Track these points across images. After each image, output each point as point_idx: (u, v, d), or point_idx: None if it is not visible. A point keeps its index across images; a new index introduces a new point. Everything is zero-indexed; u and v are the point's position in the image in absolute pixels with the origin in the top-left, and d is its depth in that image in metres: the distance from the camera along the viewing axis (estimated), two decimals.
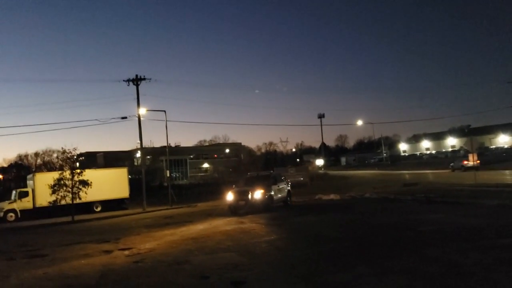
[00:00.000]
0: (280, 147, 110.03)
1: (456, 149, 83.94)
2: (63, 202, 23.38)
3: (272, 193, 19.92)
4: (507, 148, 73.99)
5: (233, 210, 19.49)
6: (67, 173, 23.45)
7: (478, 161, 44.43)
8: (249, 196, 19.14)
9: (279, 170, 38.20)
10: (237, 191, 19.97)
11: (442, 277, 6.45)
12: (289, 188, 22.71)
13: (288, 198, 22.15)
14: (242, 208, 19.41)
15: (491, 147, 79.18)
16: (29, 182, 29.98)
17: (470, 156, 50.46)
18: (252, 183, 20.34)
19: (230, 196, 19.77)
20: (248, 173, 25.88)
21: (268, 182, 20.31)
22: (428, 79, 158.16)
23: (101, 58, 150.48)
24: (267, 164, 60.19)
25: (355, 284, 6.49)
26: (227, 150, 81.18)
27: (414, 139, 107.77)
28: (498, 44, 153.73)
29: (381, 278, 6.68)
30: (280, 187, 21.44)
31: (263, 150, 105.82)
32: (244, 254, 9.73)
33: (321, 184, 39.42)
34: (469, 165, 45.10)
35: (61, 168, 24.71)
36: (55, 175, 23.91)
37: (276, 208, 20.25)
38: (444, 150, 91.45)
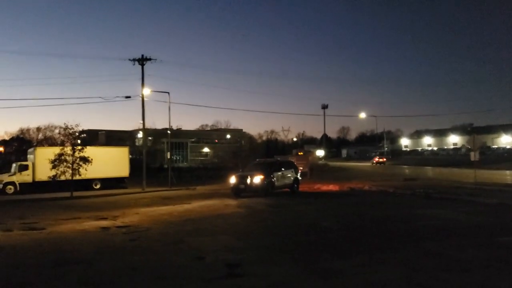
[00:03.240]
0: (282, 136, 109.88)
1: (457, 146, 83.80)
2: (62, 177, 23.49)
3: (274, 179, 20.54)
4: (509, 148, 73.84)
5: (235, 193, 20.52)
6: (68, 149, 23.45)
7: (385, 159, 64.07)
8: (248, 181, 20.00)
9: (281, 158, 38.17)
10: (239, 176, 21.02)
11: (437, 270, 6.46)
12: (297, 176, 22.79)
13: (295, 185, 22.32)
14: (243, 192, 20.30)
15: (493, 146, 79.03)
16: (30, 156, 29.97)
17: (379, 155, 69.26)
18: (255, 169, 21.19)
19: (233, 180, 21.02)
20: (257, 160, 26.75)
21: (270, 169, 20.97)
22: (434, 75, 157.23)
23: (107, 36, 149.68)
24: (268, 152, 60.16)
25: (350, 272, 6.50)
26: (228, 136, 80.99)
27: (416, 135, 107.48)
28: (507, 43, 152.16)
29: (376, 269, 6.69)
30: (285, 174, 21.75)
31: (264, 138, 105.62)
32: (240, 237, 9.80)
33: (320, 174, 39.43)
34: (380, 161, 61.91)
35: (62, 144, 24.70)
36: (56, 150, 23.91)
37: (278, 194, 20.70)
38: (445, 147, 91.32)
